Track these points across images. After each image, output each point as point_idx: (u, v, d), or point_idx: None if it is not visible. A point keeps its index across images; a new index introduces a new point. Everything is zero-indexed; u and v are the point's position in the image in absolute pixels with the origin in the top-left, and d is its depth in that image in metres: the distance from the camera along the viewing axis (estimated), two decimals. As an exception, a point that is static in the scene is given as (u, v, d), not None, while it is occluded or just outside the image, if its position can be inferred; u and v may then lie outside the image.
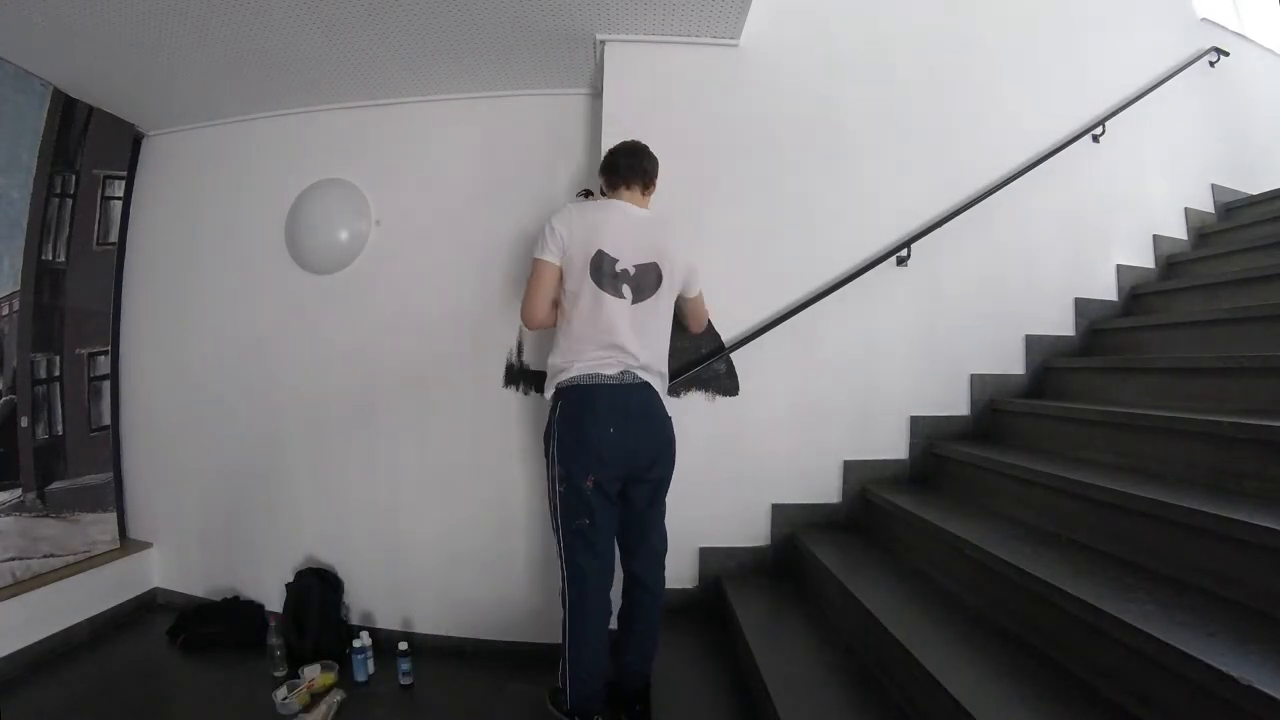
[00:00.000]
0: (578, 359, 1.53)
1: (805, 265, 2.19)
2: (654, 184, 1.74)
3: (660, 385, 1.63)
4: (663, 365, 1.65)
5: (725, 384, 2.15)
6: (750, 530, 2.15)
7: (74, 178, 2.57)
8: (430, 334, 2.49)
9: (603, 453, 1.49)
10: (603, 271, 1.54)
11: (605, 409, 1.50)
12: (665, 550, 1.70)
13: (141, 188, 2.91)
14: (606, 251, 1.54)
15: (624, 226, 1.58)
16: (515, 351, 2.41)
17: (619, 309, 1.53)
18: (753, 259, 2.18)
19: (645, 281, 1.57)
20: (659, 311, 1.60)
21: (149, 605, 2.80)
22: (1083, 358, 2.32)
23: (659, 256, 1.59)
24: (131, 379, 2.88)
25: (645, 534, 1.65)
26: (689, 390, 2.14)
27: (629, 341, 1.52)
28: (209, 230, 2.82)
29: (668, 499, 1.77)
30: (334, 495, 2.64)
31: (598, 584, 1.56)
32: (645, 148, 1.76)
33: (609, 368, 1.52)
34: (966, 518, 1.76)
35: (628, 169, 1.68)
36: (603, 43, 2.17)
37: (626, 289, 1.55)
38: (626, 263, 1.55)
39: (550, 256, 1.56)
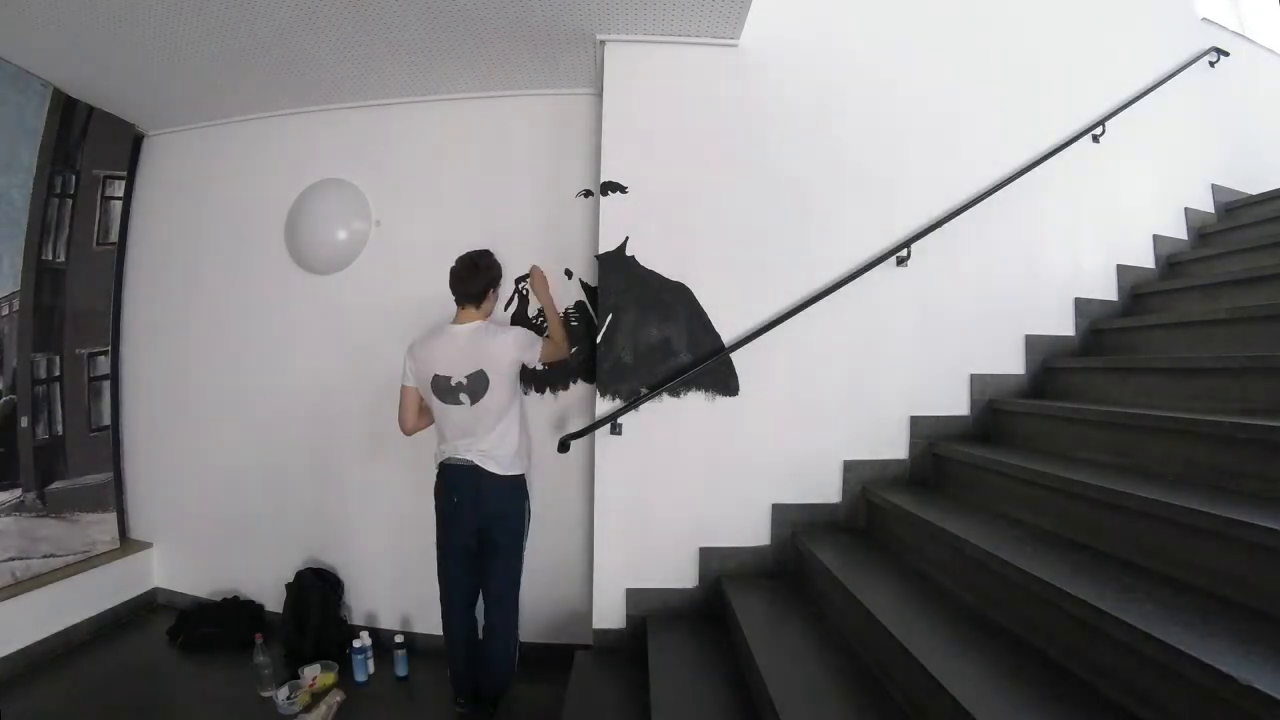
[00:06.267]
0: (440, 447, 2.02)
1: (805, 265, 2.18)
2: (487, 293, 2.03)
3: (502, 466, 1.96)
4: (503, 449, 1.97)
5: (725, 384, 2.15)
6: (750, 530, 2.15)
7: (74, 178, 2.57)
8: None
9: (447, 514, 2.00)
10: (441, 389, 1.94)
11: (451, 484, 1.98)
12: (503, 590, 2.03)
13: (141, 188, 2.91)
14: (440, 373, 1.94)
15: (451, 348, 1.95)
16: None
17: (460, 412, 1.94)
18: (752, 259, 2.18)
19: (477, 385, 1.92)
20: (493, 406, 1.94)
21: (149, 605, 2.81)
22: (1083, 358, 2.31)
23: (483, 363, 1.92)
24: (131, 379, 2.88)
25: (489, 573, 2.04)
26: (689, 390, 2.14)
27: (471, 436, 1.94)
28: (209, 230, 2.82)
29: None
30: (335, 494, 2.64)
31: (456, 600, 2.03)
32: (472, 264, 2.01)
33: (457, 455, 1.96)
34: (966, 518, 1.76)
35: (455, 293, 2.01)
36: (603, 43, 2.17)
37: (464, 396, 1.93)
38: (459, 376, 1.93)
39: (408, 382, 2.03)
